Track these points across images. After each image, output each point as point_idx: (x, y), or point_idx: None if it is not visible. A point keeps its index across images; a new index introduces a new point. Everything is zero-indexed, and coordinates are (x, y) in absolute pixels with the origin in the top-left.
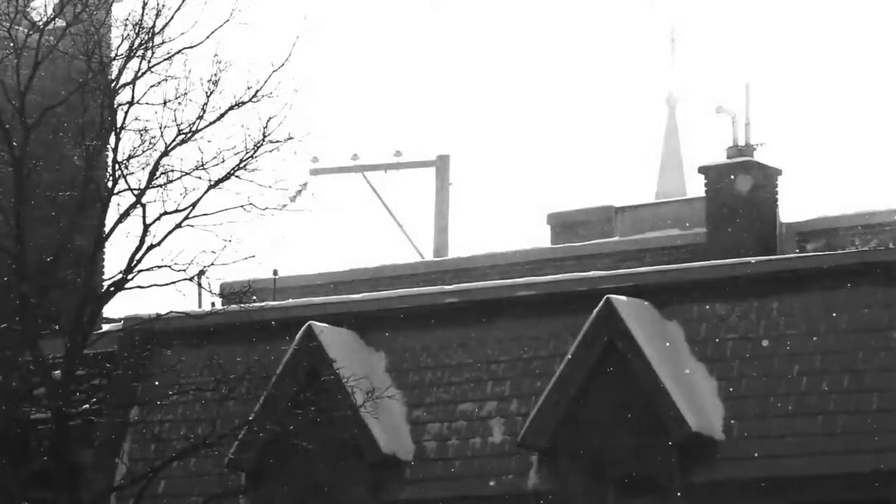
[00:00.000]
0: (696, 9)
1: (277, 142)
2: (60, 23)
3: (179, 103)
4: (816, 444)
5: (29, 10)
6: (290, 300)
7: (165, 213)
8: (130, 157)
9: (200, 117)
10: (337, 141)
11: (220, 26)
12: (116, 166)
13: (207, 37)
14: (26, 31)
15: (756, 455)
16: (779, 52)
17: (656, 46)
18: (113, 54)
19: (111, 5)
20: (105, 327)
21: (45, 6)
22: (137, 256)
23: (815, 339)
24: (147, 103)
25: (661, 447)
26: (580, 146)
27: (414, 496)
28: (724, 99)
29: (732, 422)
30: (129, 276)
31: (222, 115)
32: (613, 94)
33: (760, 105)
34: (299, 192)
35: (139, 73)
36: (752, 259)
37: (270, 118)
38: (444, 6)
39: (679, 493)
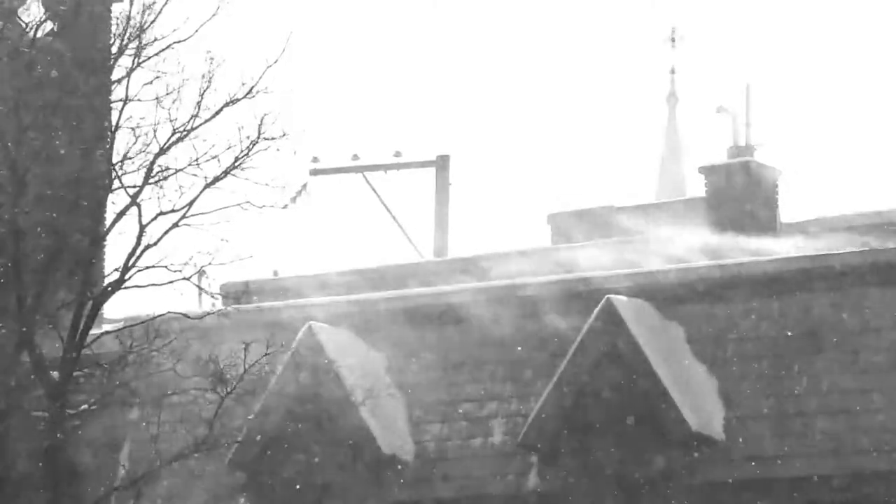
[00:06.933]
0: (696, 9)
1: (273, 139)
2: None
3: (173, 101)
4: (816, 445)
5: (23, 10)
6: (290, 300)
7: (161, 213)
8: (126, 156)
9: (195, 115)
10: (337, 141)
11: (207, 20)
12: (111, 165)
13: (196, 31)
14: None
15: (756, 455)
16: (779, 52)
17: (656, 46)
18: (106, 52)
19: (111, 4)
20: (104, 327)
21: (40, 5)
22: (134, 256)
23: (815, 339)
24: (139, 100)
25: (661, 447)
26: (580, 146)
27: (414, 496)
28: (725, 99)
29: (732, 422)
30: (127, 277)
31: (217, 112)
32: (614, 93)
33: (760, 105)
34: (299, 192)
35: (131, 70)
36: (752, 259)
37: (265, 115)
38: (444, 6)
39: (679, 493)
